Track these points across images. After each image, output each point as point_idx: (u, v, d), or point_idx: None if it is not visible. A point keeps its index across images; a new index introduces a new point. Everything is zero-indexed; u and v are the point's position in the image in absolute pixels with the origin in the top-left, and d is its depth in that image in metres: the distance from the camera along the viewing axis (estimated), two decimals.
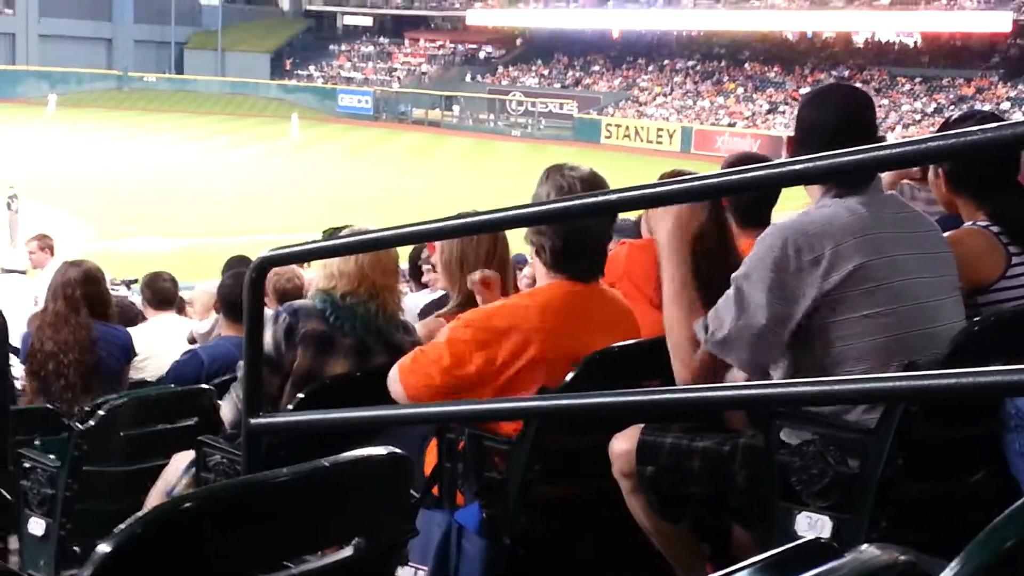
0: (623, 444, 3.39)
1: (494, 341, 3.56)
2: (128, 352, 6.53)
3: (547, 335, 3.57)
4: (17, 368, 7.15)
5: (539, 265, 3.78)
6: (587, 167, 3.80)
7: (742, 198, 4.61)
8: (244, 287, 3.37)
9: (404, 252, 7.26)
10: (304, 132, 58.67)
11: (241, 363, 4.09)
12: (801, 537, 2.98)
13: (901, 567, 1.29)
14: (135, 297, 10.89)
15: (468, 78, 74.16)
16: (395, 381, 3.71)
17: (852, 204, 3.20)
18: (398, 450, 2.03)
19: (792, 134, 3.42)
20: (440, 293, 6.06)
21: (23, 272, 13.41)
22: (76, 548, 5.06)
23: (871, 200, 3.23)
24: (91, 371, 6.16)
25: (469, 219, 3.16)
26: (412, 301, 6.10)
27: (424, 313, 5.42)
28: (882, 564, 1.28)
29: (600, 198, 2.69)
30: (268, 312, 4.11)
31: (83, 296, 6.27)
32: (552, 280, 3.73)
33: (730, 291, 3.20)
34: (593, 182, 3.69)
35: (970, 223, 3.83)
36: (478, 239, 4.47)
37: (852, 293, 3.10)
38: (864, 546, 1.32)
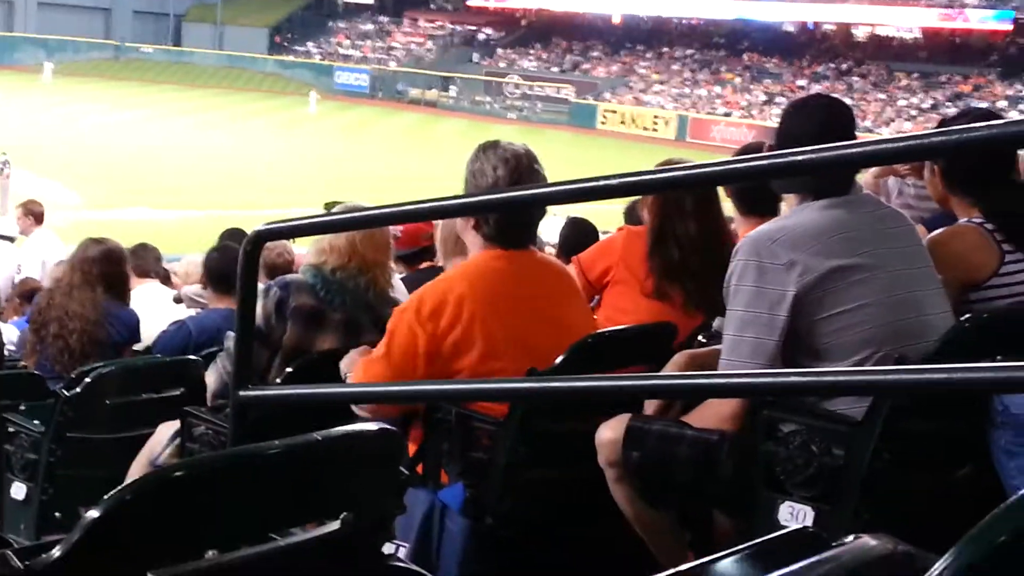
0: (609, 433, 3.40)
1: (429, 317, 3.59)
2: (133, 333, 6.53)
3: (478, 299, 3.62)
4: (6, 334, 7.18)
5: (474, 237, 3.82)
6: (520, 143, 3.89)
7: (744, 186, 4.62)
8: (239, 259, 3.37)
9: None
10: (304, 109, 58.52)
11: (230, 333, 4.09)
12: (783, 526, 2.99)
13: (898, 557, 1.28)
14: None
15: (467, 60, 73.98)
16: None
17: (827, 206, 3.24)
18: (389, 426, 2.03)
19: (772, 142, 3.44)
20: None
21: (12, 240, 13.34)
22: (57, 514, 5.07)
23: (846, 201, 3.26)
24: (92, 342, 6.19)
25: (464, 200, 3.17)
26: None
27: (407, 283, 5.43)
28: (878, 554, 1.27)
29: (601, 183, 2.68)
30: (259, 286, 4.11)
31: (100, 275, 6.30)
32: (484, 250, 3.79)
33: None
34: (533, 156, 3.80)
35: (965, 220, 3.84)
36: None
37: (833, 289, 3.13)
38: (854, 536, 1.31)
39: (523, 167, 3.72)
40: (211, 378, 4.49)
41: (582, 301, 4.10)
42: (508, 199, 3.33)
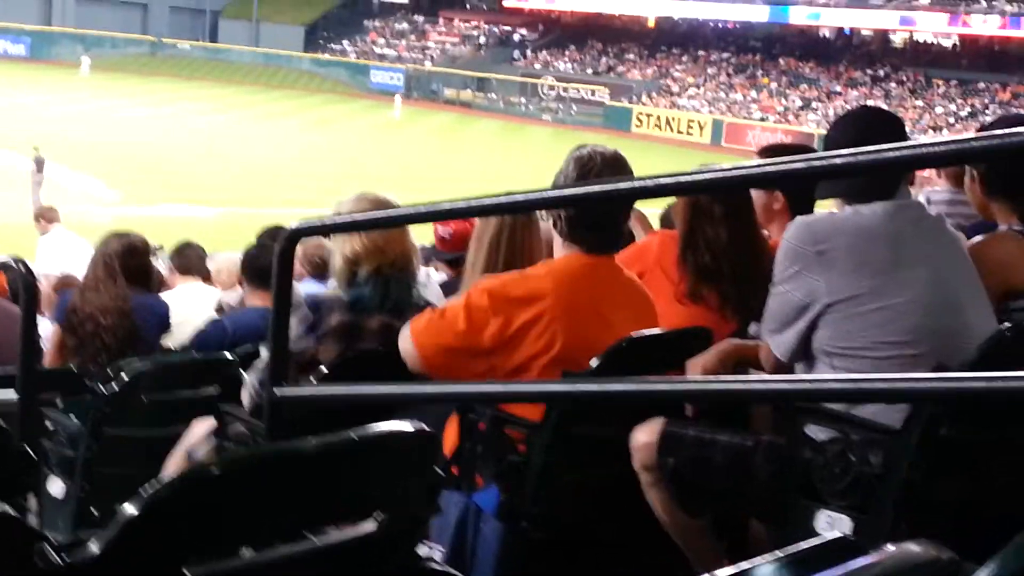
0: (644, 436, 3.40)
1: (510, 309, 3.57)
2: (164, 321, 6.56)
3: (561, 305, 3.59)
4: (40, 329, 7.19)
5: (556, 236, 3.82)
6: (612, 148, 3.85)
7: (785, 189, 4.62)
8: (274, 257, 3.38)
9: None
10: (335, 107, 58.72)
11: (262, 346, 4.09)
12: (820, 535, 2.97)
13: (942, 564, 1.27)
14: (160, 264, 10.88)
15: (501, 60, 73.97)
16: (407, 339, 3.68)
17: (870, 207, 3.25)
18: (425, 426, 2.02)
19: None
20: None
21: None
22: (94, 510, 5.08)
23: (891, 205, 3.27)
24: (128, 336, 6.21)
25: (498, 199, 3.16)
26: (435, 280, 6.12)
27: (449, 287, 5.40)
28: (921, 561, 1.26)
29: (624, 185, 2.68)
30: (297, 288, 4.08)
31: (122, 267, 6.32)
32: (568, 252, 3.76)
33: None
34: (615, 162, 3.75)
35: (1005, 227, 3.81)
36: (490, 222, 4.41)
37: (864, 283, 3.16)
38: (895, 545, 1.29)
39: (595, 168, 3.69)
40: (245, 397, 4.45)
41: (653, 317, 4.04)
42: (533, 200, 3.34)
